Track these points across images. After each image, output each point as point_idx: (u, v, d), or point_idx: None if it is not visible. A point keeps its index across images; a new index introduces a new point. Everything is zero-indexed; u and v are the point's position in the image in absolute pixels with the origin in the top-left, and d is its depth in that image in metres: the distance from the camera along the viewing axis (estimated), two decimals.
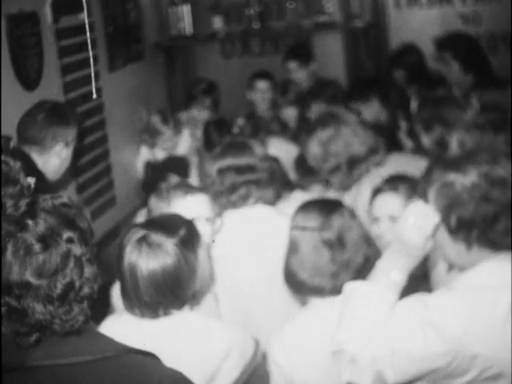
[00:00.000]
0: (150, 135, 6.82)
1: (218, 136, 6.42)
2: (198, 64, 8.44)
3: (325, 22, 7.94)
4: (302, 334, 3.15)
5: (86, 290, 2.19)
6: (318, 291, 3.16)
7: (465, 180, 2.55)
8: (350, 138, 4.38)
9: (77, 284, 2.16)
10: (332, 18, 7.97)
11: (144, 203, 6.17)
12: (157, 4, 7.86)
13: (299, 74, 7.20)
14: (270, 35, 8.25)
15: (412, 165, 4.29)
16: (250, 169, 3.84)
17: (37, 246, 2.13)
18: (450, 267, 2.98)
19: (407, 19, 8.08)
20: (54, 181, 4.48)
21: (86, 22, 3.62)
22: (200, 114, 7.06)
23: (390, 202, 3.71)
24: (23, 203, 2.22)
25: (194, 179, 6.15)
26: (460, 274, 2.69)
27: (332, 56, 7.72)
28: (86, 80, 5.94)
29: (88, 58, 5.75)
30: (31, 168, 4.20)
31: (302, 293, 3.24)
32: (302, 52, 7.34)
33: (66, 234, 2.16)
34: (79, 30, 5.81)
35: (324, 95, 6.22)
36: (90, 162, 6.17)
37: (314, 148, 4.42)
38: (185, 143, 6.86)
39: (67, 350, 2.18)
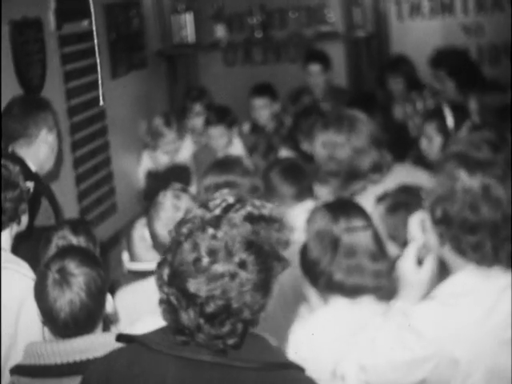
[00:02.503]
0: (152, 138, 6.82)
1: (214, 114, 6.45)
2: (200, 72, 8.46)
3: (327, 32, 7.94)
4: (324, 327, 3.12)
5: (243, 315, 2.10)
6: (376, 290, 3.12)
7: (467, 181, 2.55)
8: (357, 149, 4.34)
9: (234, 307, 2.08)
10: (334, 27, 7.98)
11: (145, 211, 6.19)
12: (159, 12, 7.88)
13: (318, 79, 7.24)
14: (272, 44, 8.27)
15: (412, 176, 4.29)
16: (228, 185, 3.88)
17: (205, 260, 2.07)
18: None
19: (409, 30, 8.10)
20: (49, 171, 4.50)
21: (94, 28, 3.63)
22: (195, 121, 7.06)
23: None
24: (222, 204, 2.15)
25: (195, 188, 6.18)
26: (439, 283, 2.72)
27: (334, 66, 7.71)
28: (89, 87, 5.96)
29: (90, 65, 5.80)
30: (26, 172, 4.20)
31: (355, 297, 3.14)
32: (323, 57, 7.40)
33: (239, 257, 2.07)
34: (82, 36, 5.84)
35: (306, 125, 6.19)
36: (92, 169, 6.18)
37: (319, 148, 4.39)
38: (187, 149, 6.87)
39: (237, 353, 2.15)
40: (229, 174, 3.97)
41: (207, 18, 8.08)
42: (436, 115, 5.32)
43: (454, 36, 7.92)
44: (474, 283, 2.59)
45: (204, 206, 2.16)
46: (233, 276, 2.06)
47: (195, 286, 2.07)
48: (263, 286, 2.11)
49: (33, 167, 4.29)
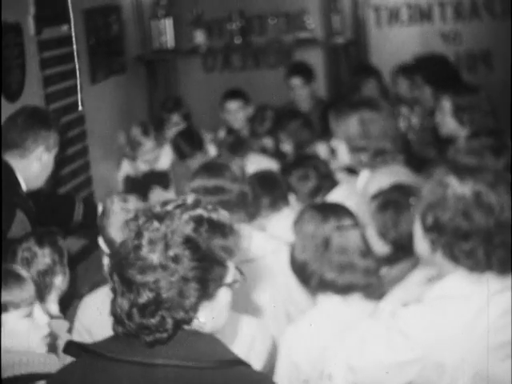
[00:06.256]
0: (130, 147, 6.81)
1: (188, 146, 6.42)
2: (180, 78, 8.45)
3: (306, 38, 7.98)
4: (314, 329, 3.13)
5: (174, 310, 2.16)
6: (366, 288, 3.16)
7: (458, 188, 2.56)
8: (388, 131, 4.40)
9: (163, 297, 2.14)
10: (313, 34, 8.01)
11: None
12: (139, 17, 7.88)
13: (302, 91, 7.24)
14: (252, 50, 8.27)
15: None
16: (217, 190, 3.87)
17: (144, 249, 2.16)
18: None
19: (388, 36, 8.14)
20: (36, 188, 4.42)
21: (73, 33, 3.62)
22: (173, 132, 7.05)
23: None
24: (177, 202, 2.24)
25: (173, 194, 6.17)
26: (429, 287, 2.73)
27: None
28: (68, 92, 5.95)
29: (70, 70, 5.78)
30: (12, 182, 4.18)
31: (346, 294, 3.18)
32: (305, 69, 7.39)
33: (174, 250, 2.15)
34: (61, 41, 5.82)
35: (290, 126, 6.21)
36: (71, 173, 6.16)
37: (354, 125, 4.44)
38: (166, 157, 6.86)
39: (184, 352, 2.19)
40: (218, 178, 3.93)
41: (187, 23, 8.09)
42: None
43: (432, 43, 7.96)
44: (463, 288, 2.60)
45: (163, 202, 2.25)
46: (165, 267, 2.14)
47: (131, 272, 2.15)
48: (197, 283, 2.16)
49: (21, 179, 4.25)
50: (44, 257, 3.61)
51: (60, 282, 3.69)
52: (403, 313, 2.66)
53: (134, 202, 3.68)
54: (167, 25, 7.93)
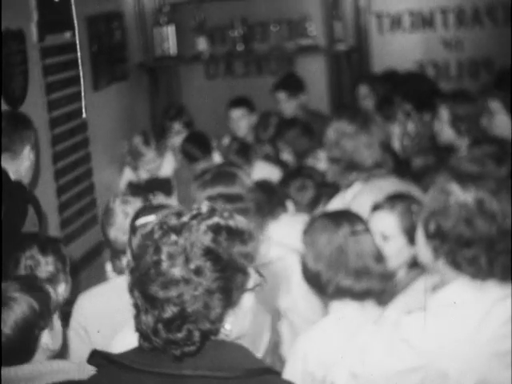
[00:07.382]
0: (132, 157, 6.81)
1: (198, 150, 6.44)
2: (182, 85, 8.46)
3: (308, 45, 7.99)
4: (330, 336, 3.12)
5: (200, 323, 2.12)
6: (381, 293, 3.18)
7: (461, 195, 2.57)
8: (361, 147, 4.38)
9: (188, 311, 2.09)
10: (315, 41, 8.02)
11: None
12: (141, 24, 7.90)
13: (287, 105, 7.21)
14: (254, 57, 8.29)
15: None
16: (238, 198, 3.87)
17: (165, 264, 2.11)
18: None
19: (390, 43, 8.15)
20: (27, 183, 4.52)
21: (77, 40, 3.63)
22: (175, 140, 7.05)
23: (384, 220, 3.70)
24: (193, 212, 2.19)
25: (175, 201, 6.18)
26: (432, 294, 2.73)
27: (315, 79, 7.77)
28: (71, 98, 5.96)
29: (72, 77, 5.80)
30: (9, 184, 4.23)
31: (363, 300, 3.19)
32: (291, 83, 7.36)
33: (195, 263, 2.11)
34: (64, 48, 5.84)
35: (288, 135, 6.21)
36: (73, 180, 6.17)
37: (331, 134, 4.45)
38: (168, 165, 6.87)
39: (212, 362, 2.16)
40: (239, 186, 3.92)
41: (189, 30, 8.10)
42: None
43: (434, 50, 7.98)
44: (466, 295, 2.60)
45: (177, 213, 2.20)
46: (187, 281, 2.09)
47: (154, 288, 2.11)
48: (221, 294, 2.13)
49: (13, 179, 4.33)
50: (47, 265, 3.61)
51: (63, 290, 3.69)
52: (406, 320, 2.66)
53: (135, 205, 3.68)
54: (170, 32, 7.95)
